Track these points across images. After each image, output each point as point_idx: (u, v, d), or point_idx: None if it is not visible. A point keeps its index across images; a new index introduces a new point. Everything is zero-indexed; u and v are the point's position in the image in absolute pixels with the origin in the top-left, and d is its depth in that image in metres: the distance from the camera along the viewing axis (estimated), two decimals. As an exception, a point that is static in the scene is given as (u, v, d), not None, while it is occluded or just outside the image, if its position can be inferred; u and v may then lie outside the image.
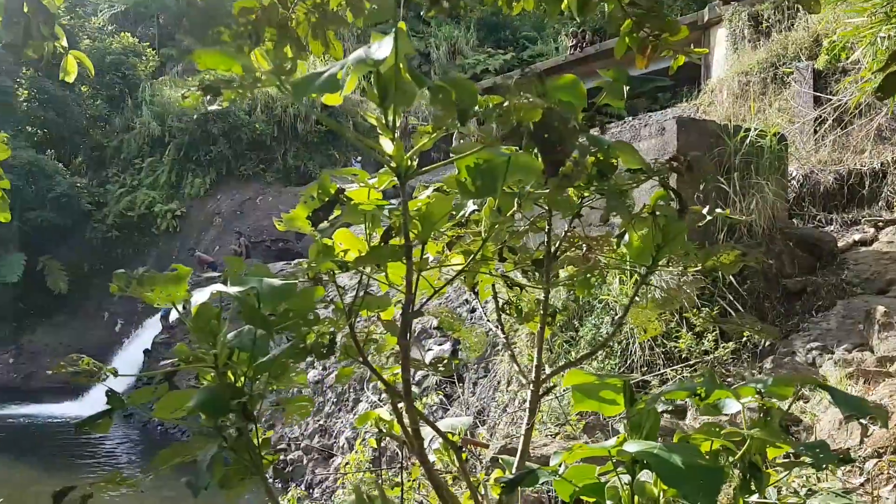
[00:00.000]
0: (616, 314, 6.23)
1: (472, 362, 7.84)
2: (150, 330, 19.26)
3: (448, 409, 8.27)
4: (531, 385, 1.66)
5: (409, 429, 1.22)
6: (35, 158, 22.44)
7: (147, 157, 24.27)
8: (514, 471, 1.67)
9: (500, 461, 2.44)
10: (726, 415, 1.34)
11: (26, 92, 24.28)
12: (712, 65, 13.73)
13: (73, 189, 23.06)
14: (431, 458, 1.78)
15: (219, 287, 1.30)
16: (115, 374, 1.44)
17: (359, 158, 23.13)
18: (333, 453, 10.61)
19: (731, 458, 1.25)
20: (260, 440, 1.40)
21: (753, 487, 1.25)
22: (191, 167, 23.63)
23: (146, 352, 17.93)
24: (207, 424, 1.35)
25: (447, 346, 10.02)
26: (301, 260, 2.06)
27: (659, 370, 5.81)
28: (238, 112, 23.16)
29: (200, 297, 1.29)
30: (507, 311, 2.02)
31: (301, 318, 1.45)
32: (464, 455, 1.67)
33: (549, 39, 27.99)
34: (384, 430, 1.80)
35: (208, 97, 1.28)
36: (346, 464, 7.53)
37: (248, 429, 1.35)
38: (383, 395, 9.58)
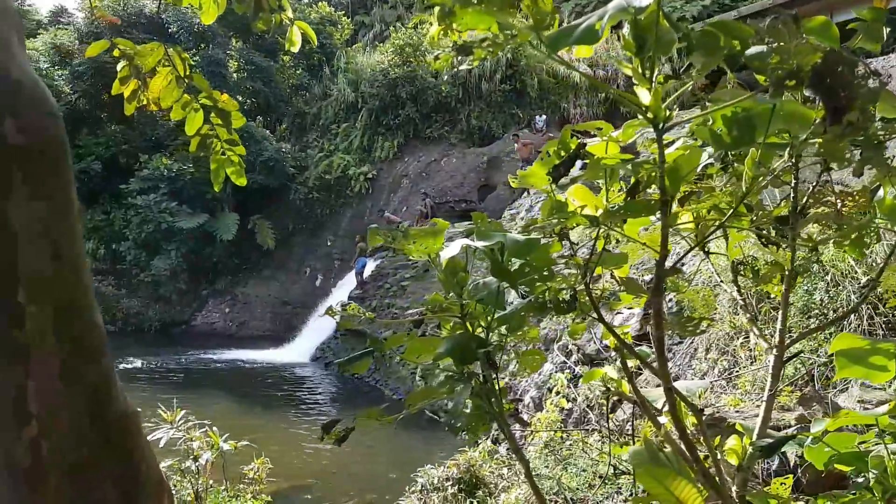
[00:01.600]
0: (832, 278, 5.71)
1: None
2: (346, 286, 20.58)
3: (640, 375, 8.08)
4: (774, 350, 1.57)
5: (665, 388, 1.20)
6: (246, 125, 24.55)
7: (342, 123, 25.71)
8: (754, 437, 1.60)
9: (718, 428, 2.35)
10: None
11: (236, 63, 26.55)
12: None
13: (279, 154, 25.00)
14: (661, 420, 1.74)
15: (467, 241, 1.35)
16: (372, 318, 1.56)
17: (542, 117, 22.91)
18: (518, 411, 10.80)
19: None
20: (499, 388, 1.46)
21: None
22: (381, 131, 24.71)
23: (342, 305, 19.20)
24: (453, 371, 1.42)
25: (636, 311, 9.76)
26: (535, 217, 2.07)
27: None
28: (425, 75, 23.80)
29: (451, 250, 1.35)
30: (742, 273, 1.92)
31: (538, 273, 1.48)
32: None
33: (749, -18, 25.73)
34: (612, 389, 1.79)
35: (459, 57, 1.31)
36: (536, 422, 7.63)
37: (492, 376, 1.40)
38: (572, 357, 9.55)
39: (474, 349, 1.40)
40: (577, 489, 5.88)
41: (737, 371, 6.16)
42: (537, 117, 23.04)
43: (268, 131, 25.59)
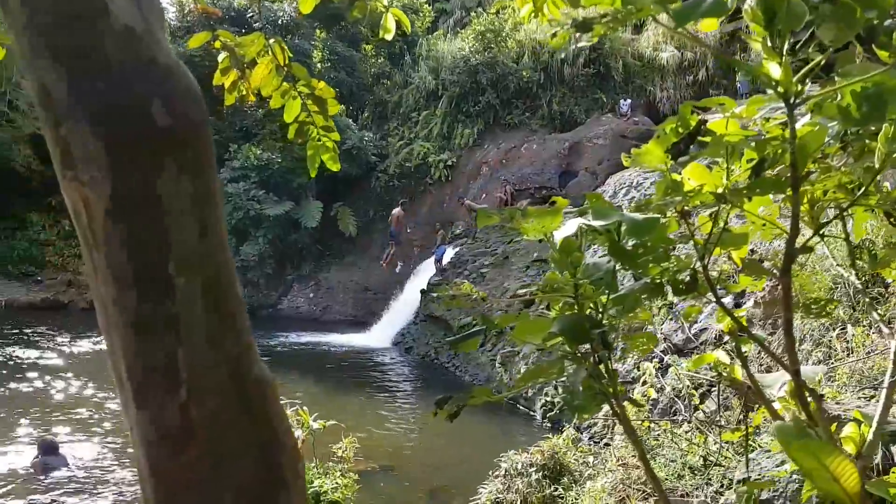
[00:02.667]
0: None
1: (757, 318, 7.32)
2: (426, 273, 20.79)
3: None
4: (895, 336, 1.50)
5: (792, 371, 1.16)
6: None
7: (422, 111, 25.87)
8: (874, 424, 1.54)
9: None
10: None
11: (320, 54, 27.09)
12: None
13: (362, 142, 25.40)
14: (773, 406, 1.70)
15: (584, 220, 1.35)
16: (485, 298, 1.58)
17: (627, 101, 22.39)
18: (629, 392, 10.65)
19: None
20: (611, 369, 1.45)
21: None
22: (461, 118, 24.74)
23: (422, 292, 19.42)
24: (565, 351, 1.42)
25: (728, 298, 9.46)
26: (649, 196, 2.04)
27: None
28: (506, 61, 23.64)
29: (566, 229, 1.35)
30: (858, 256, 1.84)
31: (654, 254, 1.46)
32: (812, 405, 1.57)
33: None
34: (724, 375, 1.75)
35: (578, 34, 1.31)
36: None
37: (606, 357, 1.40)
38: (659, 346, 9.36)
39: (588, 329, 1.39)
40: (666, 479, 5.79)
41: (832, 363, 5.90)
42: (622, 101, 22.53)
43: (350, 120, 26.04)
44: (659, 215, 1.35)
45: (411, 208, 24.84)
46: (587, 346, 1.43)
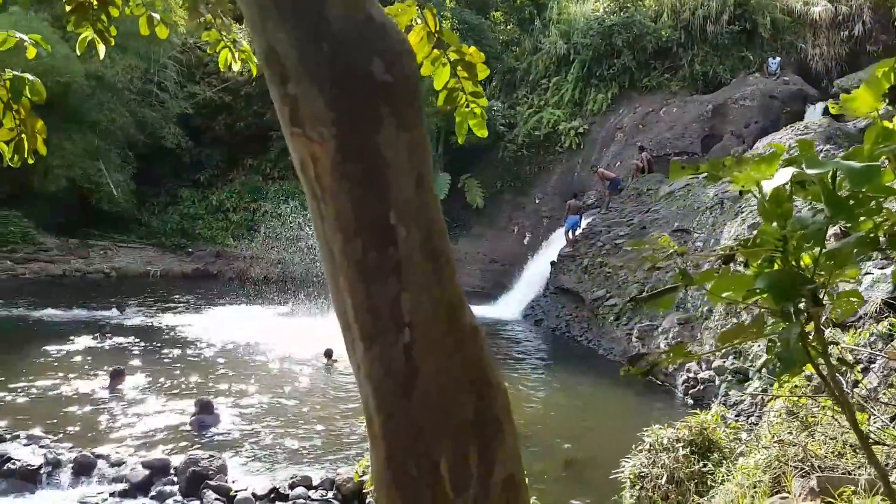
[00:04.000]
0: None
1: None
2: (556, 244, 20.55)
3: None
4: None
5: None
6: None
7: (552, 77, 25.40)
8: None
9: None
10: None
11: (448, 22, 27.15)
12: None
13: (490, 112, 25.33)
14: None
15: (794, 169, 1.27)
16: (684, 252, 1.53)
17: (776, 59, 20.91)
18: (749, 377, 10.18)
19: None
20: (821, 328, 1.37)
21: None
22: (593, 83, 24.08)
23: (552, 263, 19.22)
24: (771, 307, 1.36)
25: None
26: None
27: None
28: (643, 20, 22.68)
29: (779, 178, 1.28)
30: None
31: (866, 205, 1.36)
32: None
33: None
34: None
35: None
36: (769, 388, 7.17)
37: (817, 315, 1.32)
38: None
39: (797, 285, 1.32)
40: (825, 457, 5.48)
41: None
42: (770, 60, 21.06)
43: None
44: (878, 163, 1.25)
45: (539, 178, 24.59)
46: (792, 304, 1.35)
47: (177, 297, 21.57)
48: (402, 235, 1.14)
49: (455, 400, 1.17)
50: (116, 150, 26.71)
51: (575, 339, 16.37)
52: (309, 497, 7.32)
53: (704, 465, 6.20)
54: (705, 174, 1.39)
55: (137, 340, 15.03)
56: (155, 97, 28.20)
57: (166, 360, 13.65)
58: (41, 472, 7.69)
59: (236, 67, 4.56)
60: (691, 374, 11.54)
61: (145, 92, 27.73)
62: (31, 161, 3.36)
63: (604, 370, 13.79)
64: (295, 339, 16.19)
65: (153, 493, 7.45)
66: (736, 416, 9.38)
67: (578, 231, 19.15)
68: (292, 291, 22.12)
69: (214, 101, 30.46)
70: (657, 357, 1.46)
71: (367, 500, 6.96)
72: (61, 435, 8.89)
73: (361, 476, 4.64)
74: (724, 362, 10.90)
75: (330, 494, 7.35)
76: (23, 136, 3.36)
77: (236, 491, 7.29)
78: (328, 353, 13.55)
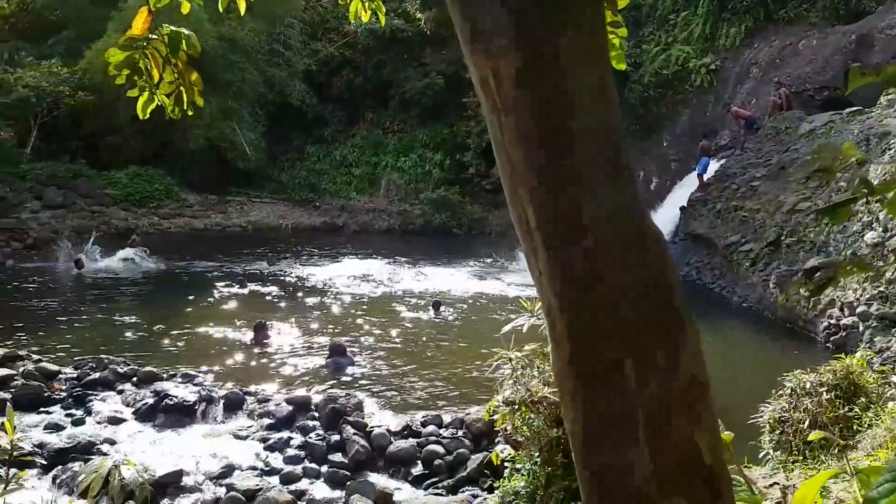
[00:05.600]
0: None
1: None
2: (685, 188, 19.71)
3: None
4: None
5: None
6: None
7: (681, 12, 24.02)
8: None
9: None
10: None
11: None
12: None
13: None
14: None
15: None
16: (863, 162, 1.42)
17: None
18: None
19: None
20: None
21: None
22: (726, 16, 22.55)
23: (682, 209, 18.50)
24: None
25: None
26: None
27: None
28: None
29: None
30: None
31: None
32: None
33: None
34: None
35: None
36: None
37: None
38: None
39: None
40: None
41: None
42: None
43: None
44: None
45: (667, 119, 23.53)
46: None
47: (307, 248, 22.64)
48: (583, 143, 1.14)
49: (638, 301, 1.18)
50: (247, 110, 28.01)
51: (707, 287, 15.77)
52: (440, 435, 7.59)
53: (850, 410, 5.89)
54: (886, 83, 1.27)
55: (275, 289, 15.99)
56: (281, 56, 29.21)
57: (301, 307, 14.45)
58: (196, 407, 8.40)
59: (365, 19, 4.60)
60: (833, 321, 10.89)
61: (272, 52, 28.78)
62: (190, 113, 3.56)
63: (739, 318, 13.28)
64: (420, 288, 16.64)
65: (297, 427, 7.97)
66: (882, 361, 8.80)
67: (710, 174, 18.26)
68: (413, 244, 22.61)
69: (336, 57, 31.22)
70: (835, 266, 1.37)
71: (496, 440, 7.14)
72: (211, 375, 9.65)
73: (492, 415, 4.74)
74: (869, 308, 10.20)
75: (460, 433, 7.59)
76: (181, 88, 3.57)
77: (372, 427, 7.67)
78: (436, 305, 13.91)
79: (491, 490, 5.85)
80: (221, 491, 6.44)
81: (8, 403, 6.61)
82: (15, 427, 2.61)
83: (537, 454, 4.24)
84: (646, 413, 1.17)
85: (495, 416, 4.69)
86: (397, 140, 30.80)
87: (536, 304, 6.83)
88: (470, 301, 15.41)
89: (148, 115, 3.39)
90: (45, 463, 6.75)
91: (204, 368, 9.91)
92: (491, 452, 6.37)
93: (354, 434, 7.48)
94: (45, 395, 8.64)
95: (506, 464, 4.68)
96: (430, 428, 7.74)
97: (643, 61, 24.41)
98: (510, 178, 1.21)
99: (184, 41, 3.57)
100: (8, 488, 2.54)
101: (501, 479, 4.64)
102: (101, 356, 9.83)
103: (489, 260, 20.80)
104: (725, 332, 12.38)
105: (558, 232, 1.17)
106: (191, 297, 14.93)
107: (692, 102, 23.27)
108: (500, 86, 1.13)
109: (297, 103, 29.81)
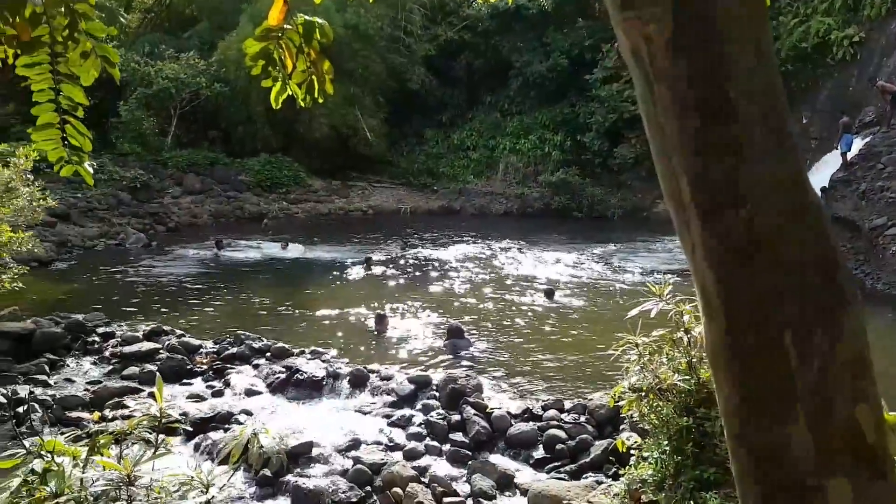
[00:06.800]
0: None
1: None
2: (826, 168, 18.40)
3: None
4: None
5: None
6: None
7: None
8: None
9: None
10: None
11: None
12: None
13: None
14: None
15: None
16: None
17: None
18: None
19: None
20: None
21: None
22: (872, -17, 20.78)
23: (823, 190, 17.27)
24: None
25: None
26: None
27: None
28: None
29: None
30: None
31: None
32: None
33: None
34: None
35: None
36: None
37: None
38: None
39: None
40: None
41: None
42: None
43: None
44: None
45: (806, 95, 22.00)
46: None
47: (426, 232, 23.01)
48: (742, 109, 1.09)
49: (798, 274, 1.13)
50: (369, 96, 28.74)
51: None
52: (562, 419, 7.52)
53: None
54: None
55: (397, 272, 16.39)
56: (401, 42, 29.71)
57: (420, 289, 14.73)
58: (324, 382, 8.78)
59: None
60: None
61: (393, 38, 29.32)
62: (321, 100, 3.68)
63: (887, 306, 12.29)
64: (537, 272, 16.54)
65: (419, 405, 8.15)
66: None
67: (853, 152, 16.93)
68: (531, 227, 22.41)
69: (455, 41, 31.37)
70: None
71: (621, 427, 6.98)
72: (336, 353, 10.04)
73: (617, 402, 4.63)
74: None
75: (582, 419, 7.49)
76: (313, 77, 3.70)
77: (492, 408, 7.71)
78: (549, 293, 13.73)
79: (616, 477, 5.74)
80: (348, 463, 6.72)
81: (158, 374, 7.26)
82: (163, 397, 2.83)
83: (666, 442, 4.11)
84: (805, 388, 1.12)
85: (621, 403, 4.59)
86: (517, 122, 30.62)
87: (665, 288, 6.62)
88: (590, 286, 15.16)
89: (280, 105, 3.52)
90: (191, 430, 7.28)
91: (329, 346, 10.32)
92: (615, 439, 6.26)
93: (475, 415, 7.55)
94: (188, 367, 9.32)
95: (632, 451, 4.57)
96: (551, 412, 7.69)
97: (780, 34, 22.93)
98: (662, 150, 1.17)
99: (317, 30, 3.69)
100: (157, 453, 2.76)
101: (627, 467, 4.54)
102: (238, 331, 10.47)
103: (612, 246, 20.37)
104: (870, 322, 11.47)
105: (714, 202, 1.13)
106: (317, 279, 15.60)
107: (833, 77, 21.66)
108: (653, 54, 1.09)
109: (417, 87, 30.24)
